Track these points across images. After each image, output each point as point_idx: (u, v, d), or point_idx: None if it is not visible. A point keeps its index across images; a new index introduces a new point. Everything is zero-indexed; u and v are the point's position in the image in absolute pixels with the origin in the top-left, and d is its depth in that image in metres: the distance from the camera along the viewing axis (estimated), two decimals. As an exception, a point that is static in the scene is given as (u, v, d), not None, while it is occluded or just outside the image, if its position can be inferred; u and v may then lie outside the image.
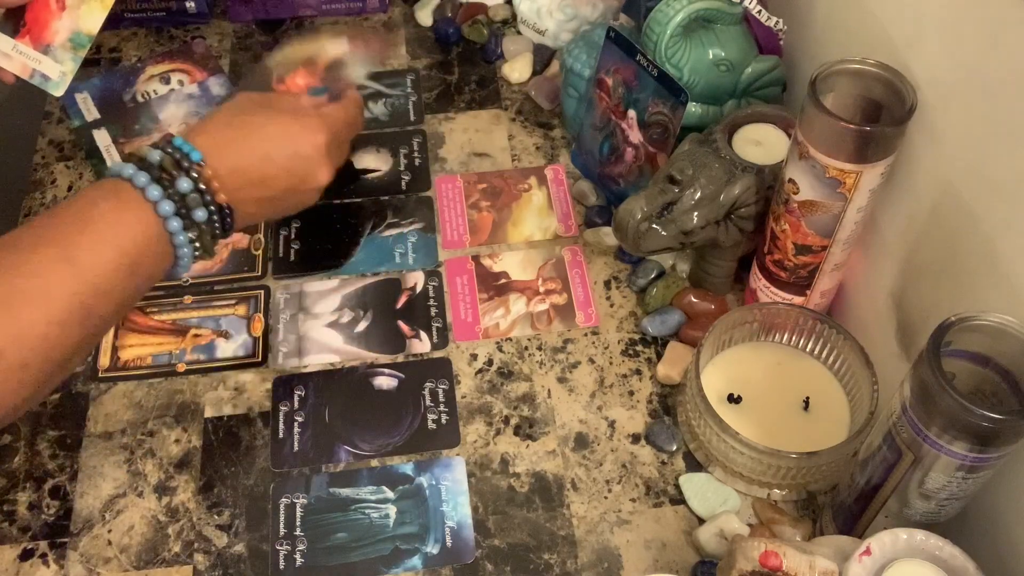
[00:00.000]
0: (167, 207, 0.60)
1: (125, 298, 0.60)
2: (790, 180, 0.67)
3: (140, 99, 0.94)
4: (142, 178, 0.60)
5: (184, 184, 0.61)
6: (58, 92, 0.76)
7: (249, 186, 0.65)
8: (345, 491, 0.72)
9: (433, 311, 0.82)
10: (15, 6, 0.73)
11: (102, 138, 0.91)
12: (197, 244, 0.62)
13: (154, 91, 0.95)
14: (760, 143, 0.76)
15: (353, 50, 0.78)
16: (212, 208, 0.62)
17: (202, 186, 0.62)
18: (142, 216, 0.59)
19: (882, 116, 0.64)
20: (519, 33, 1.01)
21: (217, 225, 0.63)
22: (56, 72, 0.75)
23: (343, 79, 0.77)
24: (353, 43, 0.79)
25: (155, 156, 0.61)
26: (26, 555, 0.69)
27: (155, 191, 0.60)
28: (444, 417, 0.76)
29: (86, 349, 0.60)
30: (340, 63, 0.78)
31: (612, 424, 0.75)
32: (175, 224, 0.60)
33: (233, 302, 0.82)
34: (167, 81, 0.96)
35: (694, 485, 0.72)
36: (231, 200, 0.64)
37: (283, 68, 0.76)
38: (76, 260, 0.57)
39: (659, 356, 0.78)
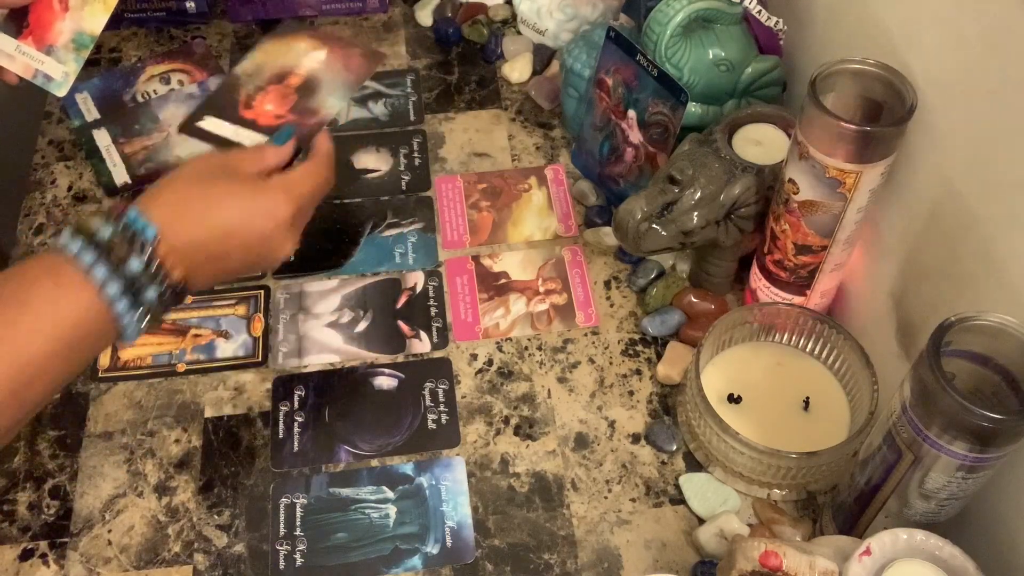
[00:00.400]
0: (113, 289, 0.55)
1: (60, 377, 0.57)
2: (790, 180, 0.67)
3: (140, 99, 0.94)
4: (88, 257, 0.55)
5: (135, 265, 0.56)
6: (61, 92, 0.76)
7: (206, 262, 0.61)
8: (345, 491, 0.72)
9: (433, 311, 0.82)
10: (18, 7, 0.74)
11: (102, 138, 0.92)
12: (146, 319, 0.58)
13: (154, 91, 0.95)
14: (760, 143, 0.76)
15: (330, 65, 0.74)
16: (164, 286, 0.58)
17: (154, 266, 0.57)
18: (83, 297, 0.55)
19: (882, 116, 0.64)
20: (519, 33, 1.01)
21: (168, 299, 0.59)
22: (59, 72, 0.75)
23: (315, 110, 0.72)
24: (332, 56, 0.75)
25: (105, 233, 0.56)
26: (26, 555, 0.69)
27: (100, 272, 0.55)
28: (444, 417, 0.76)
29: (17, 428, 0.57)
30: (314, 83, 0.73)
31: (612, 424, 0.75)
32: (121, 306, 0.56)
33: (233, 302, 0.82)
34: (167, 81, 0.96)
35: (694, 485, 0.72)
36: (185, 275, 0.60)
37: (252, 83, 0.73)
38: (8, 345, 0.54)
39: (659, 356, 0.78)
